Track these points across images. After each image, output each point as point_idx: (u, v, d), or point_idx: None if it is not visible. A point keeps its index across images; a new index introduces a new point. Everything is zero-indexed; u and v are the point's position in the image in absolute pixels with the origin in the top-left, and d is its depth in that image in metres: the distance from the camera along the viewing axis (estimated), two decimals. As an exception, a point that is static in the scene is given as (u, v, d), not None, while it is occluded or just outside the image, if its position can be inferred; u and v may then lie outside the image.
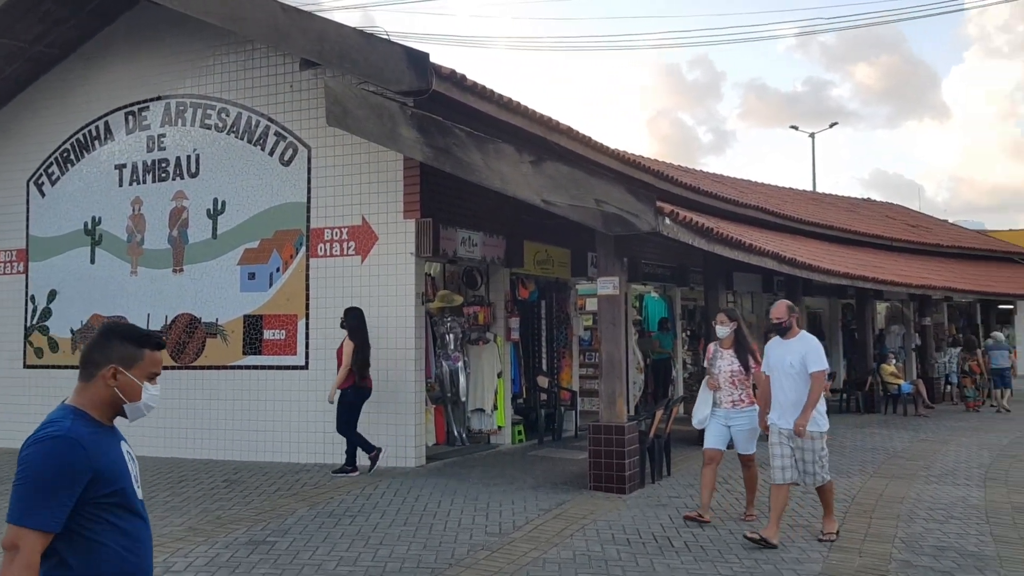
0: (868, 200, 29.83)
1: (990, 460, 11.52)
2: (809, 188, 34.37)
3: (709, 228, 9.09)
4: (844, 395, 18.66)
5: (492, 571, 6.16)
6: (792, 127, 41.39)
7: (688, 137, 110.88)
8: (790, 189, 25.99)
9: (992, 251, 26.71)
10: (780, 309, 7.22)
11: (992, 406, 18.70)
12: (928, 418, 16.99)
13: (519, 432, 12.25)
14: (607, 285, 9.11)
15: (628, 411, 12.79)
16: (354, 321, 9.54)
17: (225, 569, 6.13)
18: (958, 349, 19.63)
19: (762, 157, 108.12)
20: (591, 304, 16.43)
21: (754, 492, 7.95)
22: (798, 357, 6.92)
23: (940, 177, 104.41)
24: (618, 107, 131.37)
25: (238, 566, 6.21)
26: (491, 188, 8.62)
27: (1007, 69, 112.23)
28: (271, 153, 10.90)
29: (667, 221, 7.90)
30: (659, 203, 7.83)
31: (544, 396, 12.86)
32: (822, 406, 6.96)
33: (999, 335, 20.65)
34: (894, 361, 18.31)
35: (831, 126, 52.25)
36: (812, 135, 38.97)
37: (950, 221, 32.16)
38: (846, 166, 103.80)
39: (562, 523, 7.54)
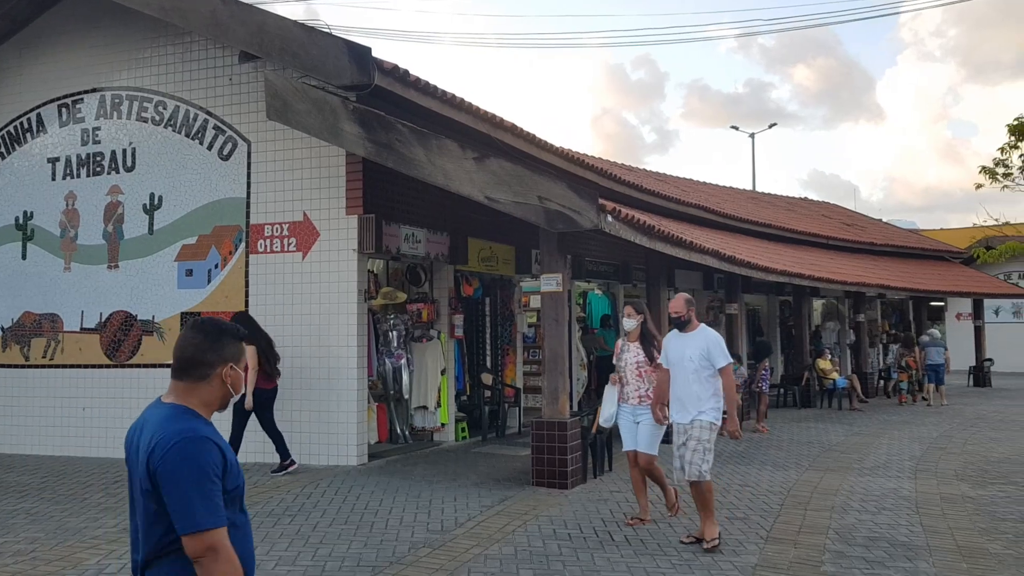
0: (806, 199, 30.49)
1: (921, 452, 11.87)
2: (749, 187, 35.00)
3: (651, 226, 9.19)
4: (781, 390, 19.06)
5: (433, 568, 6.15)
6: (733, 127, 42.18)
7: (632, 136, 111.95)
8: (731, 188, 26.43)
9: (924, 250, 27.49)
10: (678, 303, 7.06)
11: (924, 399, 19.34)
12: (862, 412, 17.44)
13: (463, 429, 12.24)
14: (550, 282, 9.15)
15: (571, 407, 12.89)
16: (246, 327, 9.36)
17: None
18: (898, 345, 20.22)
19: (704, 157, 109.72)
20: (535, 301, 16.47)
21: (667, 487, 7.66)
22: (697, 351, 6.75)
23: (875, 178, 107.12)
24: (564, 106, 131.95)
25: (174, 567, 6.08)
26: (434, 184, 8.60)
27: (939, 72, 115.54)
28: (210, 147, 10.70)
29: (609, 218, 7.97)
30: (601, 200, 7.89)
31: (488, 393, 12.87)
32: (718, 399, 6.78)
33: (935, 332, 21.40)
34: (829, 356, 18.75)
35: (770, 127, 53.20)
36: (752, 135, 39.71)
37: (884, 220, 33.03)
38: (785, 166, 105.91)
39: (504, 519, 7.56)
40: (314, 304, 10.03)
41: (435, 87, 9.22)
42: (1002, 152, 14.30)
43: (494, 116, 10.15)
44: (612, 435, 10.36)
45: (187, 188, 10.80)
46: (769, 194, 29.77)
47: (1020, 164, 14.11)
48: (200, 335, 2.72)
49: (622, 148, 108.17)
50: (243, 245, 10.45)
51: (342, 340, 9.89)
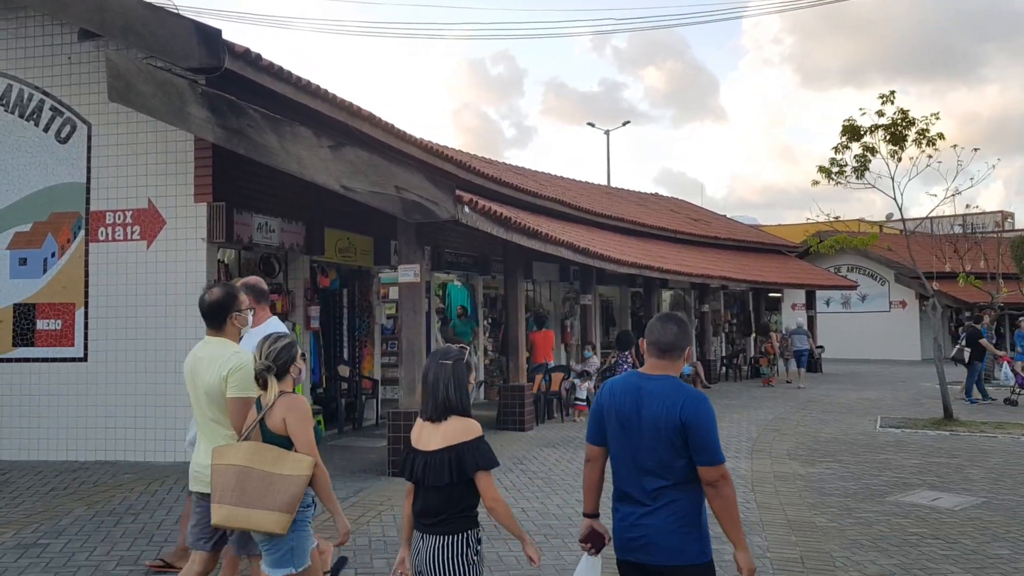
0: (656, 195, 31.68)
1: (757, 433, 12.64)
2: (605, 183, 36.03)
3: (507, 218, 9.35)
4: (633, 378, 19.80)
5: (287, 561, 6.07)
6: (589, 124, 43.32)
7: (492, 130, 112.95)
8: (587, 183, 27.13)
9: (763, 244, 29.14)
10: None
11: (787, 381, 21.32)
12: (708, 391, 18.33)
13: (319, 422, 12.04)
14: (408, 272, 9.17)
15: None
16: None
17: (-11, 577, 5.67)
18: (752, 336, 21.90)
19: (562, 153, 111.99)
20: (394, 292, 16.43)
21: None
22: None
23: (719, 175, 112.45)
24: (424, 99, 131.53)
25: (4, 571, 5.75)
26: (288, 172, 8.43)
27: (776, 78, 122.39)
28: (46, 129, 10.08)
29: (466, 210, 8.06)
30: (459, 192, 7.97)
31: (345, 385, 12.74)
32: None
33: (801, 322, 23.51)
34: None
35: (623, 124, 54.78)
36: (607, 132, 40.87)
37: (728, 216, 34.78)
38: (638, 163, 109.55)
39: (359, 510, 7.54)
40: (160, 295, 9.64)
41: (289, 72, 9.04)
42: (836, 151, 15.27)
43: (351, 104, 10.04)
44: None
45: (20, 172, 10.13)
46: (623, 189, 30.76)
47: (854, 164, 15.10)
48: (677, 326, 3.49)
49: (482, 142, 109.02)
50: (82, 233, 9.91)
51: (189, 332, 9.51)
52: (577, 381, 14.46)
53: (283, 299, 11.46)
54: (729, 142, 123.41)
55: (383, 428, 10.98)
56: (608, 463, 3.59)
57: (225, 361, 4.23)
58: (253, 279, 5.67)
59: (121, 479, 8.70)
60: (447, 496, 3.51)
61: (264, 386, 3.89)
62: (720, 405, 16.57)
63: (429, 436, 3.57)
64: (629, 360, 15.34)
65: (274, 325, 5.17)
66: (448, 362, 3.65)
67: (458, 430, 3.53)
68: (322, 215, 11.62)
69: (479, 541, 3.59)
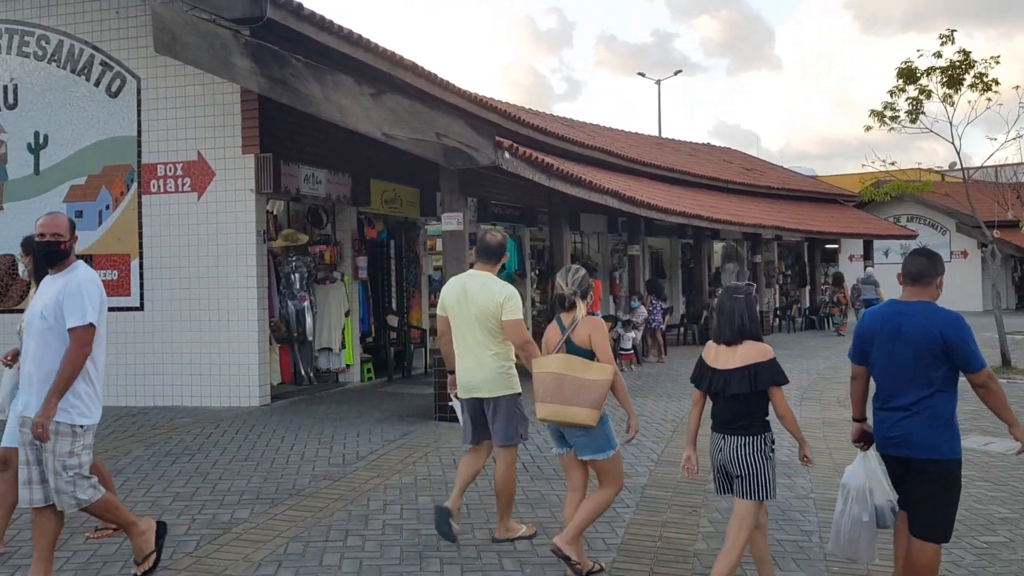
0: (708, 145, 31.15)
1: (808, 382, 12.53)
2: (655, 134, 35.53)
3: (549, 164, 9.30)
4: (682, 328, 19.72)
5: (333, 498, 6.26)
6: (640, 74, 42.47)
7: (542, 85, 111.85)
8: (636, 133, 26.78)
9: (819, 193, 28.53)
10: (54, 223, 4.55)
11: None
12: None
13: (368, 370, 12.29)
14: (451, 221, 9.21)
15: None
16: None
17: (53, 510, 5.94)
18: (806, 287, 21.91)
19: (612, 105, 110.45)
20: (441, 244, 16.51)
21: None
22: (52, 302, 4.32)
23: (775, 126, 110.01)
24: (474, 54, 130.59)
25: (67, 506, 6.02)
26: (330, 120, 8.50)
27: (835, 25, 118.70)
28: (97, 84, 10.29)
29: (506, 155, 8.04)
30: (499, 138, 7.95)
31: (393, 335, 12.92)
32: (90, 385, 4.37)
33: (870, 271, 23.07)
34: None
35: (676, 74, 53.98)
36: (658, 82, 40.19)
37: (784, 167, 34.06)
38: (690, 115, 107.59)
39: (405, 452, 7.70)
40: (211, 246, 9.86)
41: (331, 22, 9.06)
42: (891, 95, 14.78)
43: (393, 54, 10.04)
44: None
45: (74, 126, 10.39)
46: (673, 140, 30.29)
47: (907, 107, 14.60)
48: (926, 258, 4.15)
49: (532, 97, 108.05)
50: (135, 185, 10.15)
51: (241, 281, 9.77)
52: (622, 331, 14.44)
53: (331, 249, 11.64)
54: (785, 92, 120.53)
55: (431, 376, 11.15)
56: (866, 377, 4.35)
57: (499, 291, 5.13)
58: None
59: (178, 423, 9.00)
60: (744, 405, 4.20)
61: (570, 308, 4.72)
62: (771, 355, 16.42)
63: (726, 357, 4.25)
64: (659, 308, 15.32)
65: (81, 269, 4.50)
66: (740, 296, 4.33)
67: (754, 352, 4.22)
68: (368, 166, 11.71)
69: (773, 442, 4.28)
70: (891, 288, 27.21)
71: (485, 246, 5.31)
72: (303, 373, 11.51)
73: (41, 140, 10.50)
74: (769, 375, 4.16)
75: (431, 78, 10.85)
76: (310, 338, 11.42)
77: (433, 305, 15.09)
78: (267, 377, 10.01)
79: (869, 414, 4.44)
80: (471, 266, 5.53)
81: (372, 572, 4.82)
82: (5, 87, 10.65)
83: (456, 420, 8.89)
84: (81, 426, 4.31)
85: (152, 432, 8.55)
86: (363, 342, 12.32)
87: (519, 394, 5.28)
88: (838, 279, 22.47)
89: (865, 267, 25.55)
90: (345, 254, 11.79)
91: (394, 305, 13.54)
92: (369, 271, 12.71)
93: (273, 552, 5.14)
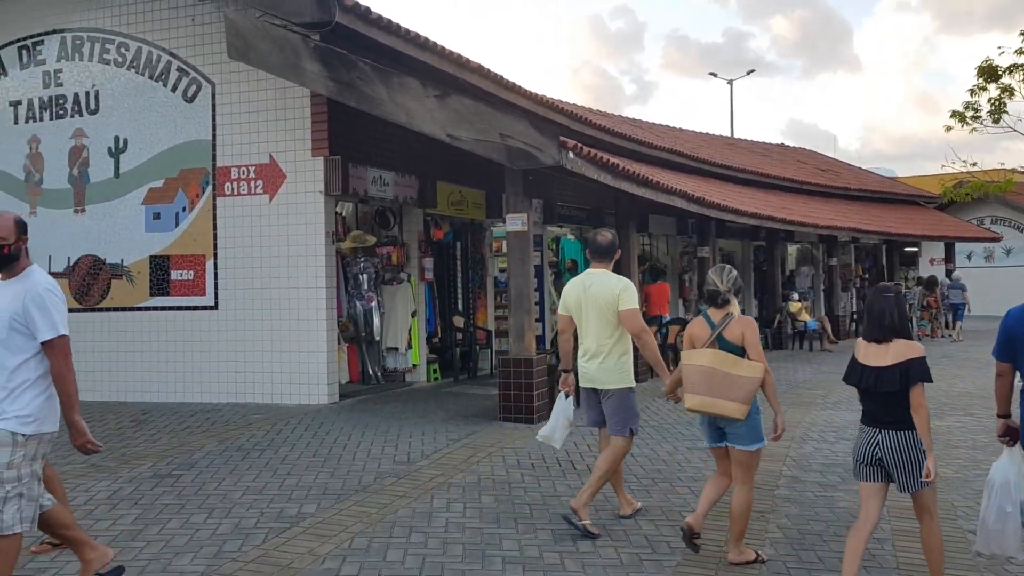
0: (781, 145, 30.52)
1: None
2: (727, 135, 34.98)
3: (615, 164, 9.22)
4: (754, 333, 19.30)
5: (398, 495, 6.30)
6: (711, 74, 41.90)
7: (611, 87, 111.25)
8: (707, 134, 26.39)
9: (897, 195, 27.68)
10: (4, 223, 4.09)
11: (945, 335, 21.31)
12: (832, 353, 17.74)
13: (434, 370, 12.37)
14: (516, 221, 9.21)
15: (545, 348, 13.04)
16: None
17: (127, 502, 6.13)
18: (919, 288, 22.15)
19: (682, 106, 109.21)
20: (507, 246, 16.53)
21: None
22: (9, 311, 4.02)
23: (852, 127, 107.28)
24: (541, 56, 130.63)
25: (141, 498, 6.21)
26: (396, 122, 8.58)
27: (914, 23, 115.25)
28: (173, 89, 10.60)
29: (570, 155, 8.00)
30: (563, 138, 7.91)
31: (459, 335, 12.98)
32: (40, 394, 4.05)
33: (957, 276, 22.97)
34: (797, 298, 19.00)
35: (748, 73, 52.87)
36: (730, 82, 39.61)
37: (861, 167, 33.15)
38: (764, 116, 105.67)
39: (470, 451, 7.71)
40: (282, 246, 10.05)
41: (398, 25, 9.14)
42: (971, 95, 14.29)
43: (460, 56, 10.09)
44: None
45: (152, 131, 10.71)
46: (746, 140, 29.77)
47: (989, 108, 14.09)
48: None
49: (601, 99, 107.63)
50: (210, 188, 10.42)
51: (310, 281, 9.94)
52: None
53: (398, 250, 11.75)
54: (863, 92, 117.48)
55: (496, 377, 11.16)
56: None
57: (615, 284, 5.53)
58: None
59: (250, 419, 9.19)
60: (895, 400, 4.32)
61: (722, 305, 4.95)
62: (847, 361, 15.96)
63: (877, 355, 4.38)
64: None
65: (39, 275, 4.16)
66: (890, 295, 4.47)
67: (906, 349, 4.35)
68: (434, 168, 11.79)
69: None
70: (978, 292, 26.33)
71: (597, 246, 5.73)
72: (371, 372, 11.65)
73: (121, 144, 10.86)
74: (919, 372, 4.29)
75: (497, 80, 10.87)
76: (377, 338, 11.55)
77: (499, 307, 15.16)
78: (336, 376, 10.15)
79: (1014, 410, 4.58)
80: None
81: (434, 569, 4.83)
82: (87, 93, 11.05)
83: (521, 421, 8.91)
84: (23, 435, 3.93)
85: (225, 428, 8.75)
86: (429, 342, 12.40)
87: (631, 388, 5.64)
88: (931, 283, 22.07)
89: (948, 271, 24.84)
90: (412, 255, 11.90)
91: (460, 306, 13.61)
92: (435, 272, 12.80)
93: (338, 547, 5.19)
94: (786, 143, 31.09)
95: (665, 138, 19.84)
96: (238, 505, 6.04)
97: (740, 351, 4.84)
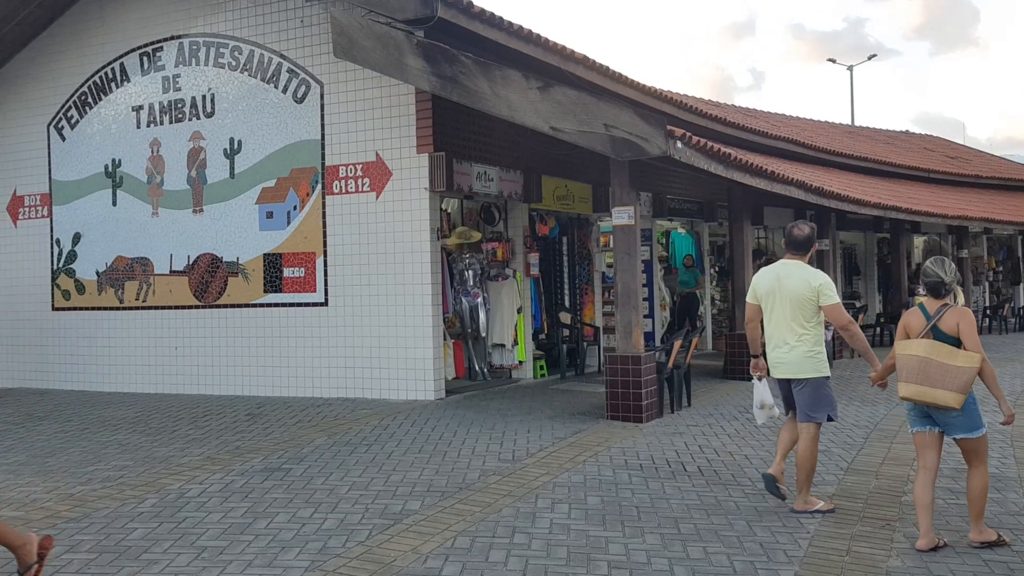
0: (907, 133, 29.05)
1: (1022, 387, 11.30)
2: (847, 123, 33.54)
3: (726, 153, 8.86)
4: (878, 328, 18.40)
5: (502, 494, 6.20)
6: (829, 60, 40.21)
7: (723, 77, 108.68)
8: (825, 123, 25.36)
9: (1034, 182, 25.90)
10: None
11: None
12: (962, 350, 16.70)
13: (541, 367, 12.25)
14: (622, 215, 8.98)
15: (655, 344, 12.75)
16: None
17: (238, 495, 6.23)
18: (1021, 284, 20.93)
19: (800, 96, 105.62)
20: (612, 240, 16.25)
21: None
22: None
23: (983, 113, 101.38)
24: (653, 46, 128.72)
25: (251, 491, 6.31)
26: (498, 116, 8.48)
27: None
28: (284, 90, 10.83)
29: (679, 145, 7.71)
30: (670, 127, 7.63)
31: (566, 332, 12.81)
32: None
33: None
34: (924, 292, 17.91)
35: (870, 58, 50.54)
36: (850, 68, 38.00)
37: (993, 155, 31.21)
38: (886, 105, 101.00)
39: (576, 450, 7.54)
40: (388, 243, 10.12)
41: (501, 18, 9.05)
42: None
43: (564, 47, 9.92)
44: (690, 370, 10.21)
45: (264, 132, 10.97)
46: (868, 128, 28.49)
47: None
48: None
49: (715, 90, 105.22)
50: (319, 186, 10.58)
51: (416, 278, 9.97)
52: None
53: (503, 246, 11.67)
54: (994, 76, 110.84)
55: (603, 374, 10.95)
56: None
57: (812, 277, 5.67)
58: None
59: (358, 414, 9.28)
60: None
61: (944, 295, 5.07)
62: (978, 357, 15.01)
63: None
64: None
65: None
66: None
67: None
68: (539, 163, 11.66)
69: None
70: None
71: (793, 238, 5.81)
72: (477, 369, 11.62)
73: (235, 146, 11.16)
74: None
75: (602, 70, 10.65)
76: (483, 334, 11.51)
77: (607, 303, 14.91)
78: (442, 372, 10.16)
79: None
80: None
81: (538, 572, 4.69)
82: (204, 97, 11.42)
83: (629, 420, 8.68)
84: None
85: (334, 423, 8.86)
86: (535, 339, 12.29)
87: (827, 377, 5.77)
88: None
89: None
90: (517, 251, 11.80)
91: (567, 302, 13.43)
92: (541, 268, 12.67)
93: (441, 545, 5.12)
94: (911, 131, 29.59)
95: (781, 127, 19.14)
96: (344, 500, 6.06)
97: (955, 342, 4.94)
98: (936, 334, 5.00)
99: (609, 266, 16.13)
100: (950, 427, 5.03)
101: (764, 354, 5.97)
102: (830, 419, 5.85)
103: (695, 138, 8.15)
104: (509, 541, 5.18)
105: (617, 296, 9.17)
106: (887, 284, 21.02)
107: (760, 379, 6.02)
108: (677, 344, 9.55)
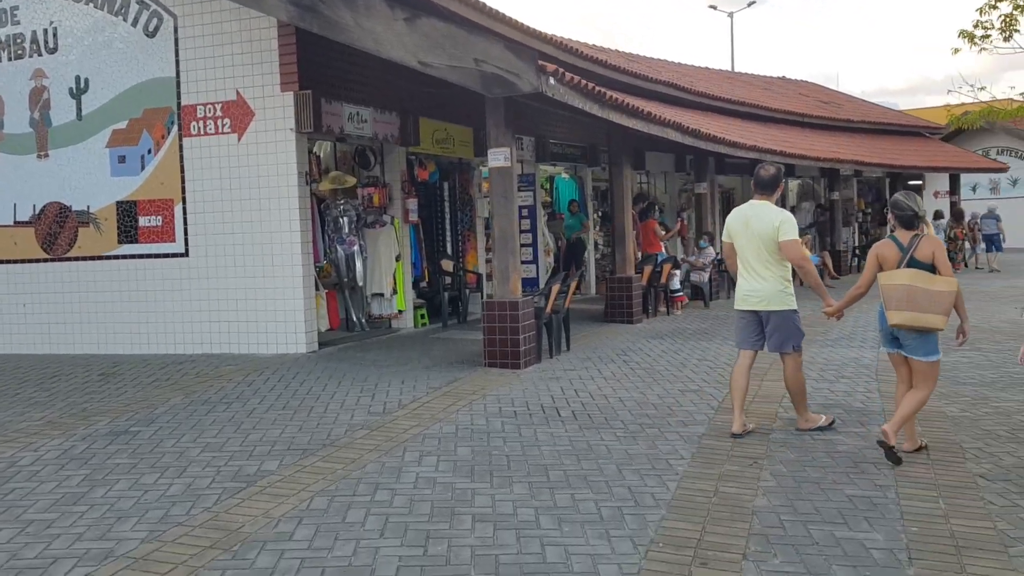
0: (783, 78, 29.63)
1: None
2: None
3: (601, 92, 8.64)
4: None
5: (368, 448, 5.91)
6: (711, 7, 40.58)
7: (610, 26, 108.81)
8: (705, 68, 25.55)
9: (901, 126, 26.93)
10: None
11: (978, 267, 21.81)
12: (833, 288, 17.19)
13: (422, 316, 11.95)
14: (498, 156, 8.68)
15: (537, 290, 12.60)
16: None
17: (77, 461, 5.73)
18: (943, 220, 22.21)
19: (683, 44, 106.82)
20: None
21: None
22: None
23: (857, 63, 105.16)
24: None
25: (92, 457, 5.82)
26: (364, 49, 7.99)
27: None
28: (134, 24, 9.98)
29: (551, 81, 7.42)
30: (542, 62, 7.33)
31: (448, 279, 12.52)
32: None
33: (992, 206, 23.05)
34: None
35: (749, 5, 51.10)
36: (731, 15, 38.49)
37: (865, 100, 32.27)
38: (766, 53, 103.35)
39: (450, 400, 7.31)
40: (253, 188, 9.54)
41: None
42: (981, 13, 13.55)
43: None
44: (569, 315, 10.10)
45: (114, 69, 10.12)
46: (746, 74, 28.90)
47: (1000, 25, 13.36)
48: None
49: (603, 40, 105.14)
50: (175, 128, 9.86)
51: (284, 225, 9.44)
52: (676, 272, 13.77)
53: (380, 192, 11.22)
54: (867, 26, 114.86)
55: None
56: None
57: (775, 215, 5.97)
58: None
59: (222, 370, 8.79)
60: None
61: (912, 227, 5.40)
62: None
63: None
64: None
65: None
66: None
67: None
68: (416, 104, 11.20)
69: None
70: (1009, 223, 25.96)
71: (760, 179, 6.13)
72: (355, 319, 11.22)
73: (82, 84, 10.28)
74: None
75: (476, 5, 10.15)
76: (360, 284, 11.09)
77: (490, 249, 14.67)
78: (314, 323, 9.72)
79: None
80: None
81: (397, 530, 4.44)
82: (45, 31, 10.44)
83: (507, 367, 8.49)
84: None
85: (195, 380, 8.36)
86: (416, 287, 11.96)
87: (795, 310, 6.13)
88: (959, 215, 22.40)
89: (953, 203, 24.45)
90: (395, 196, 11.37)
91: (449, 249, 13.12)
92: (422, 214, 12.29)
93: (295, 507, 4.80)
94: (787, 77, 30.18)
95: (663, 71, 19.10)
96: (194, 463, 5.65)
97: (931, 268, 5.28)
98: (911, 263, 5.31)
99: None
100: (909, 349, 5.37)
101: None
102: (794, 348, 6.13)
103: (568, 75, 7.88)
104: (370, 499, 4.91)
105: (495, 241, 8.91)
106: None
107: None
108: (555, 289, 9.40)
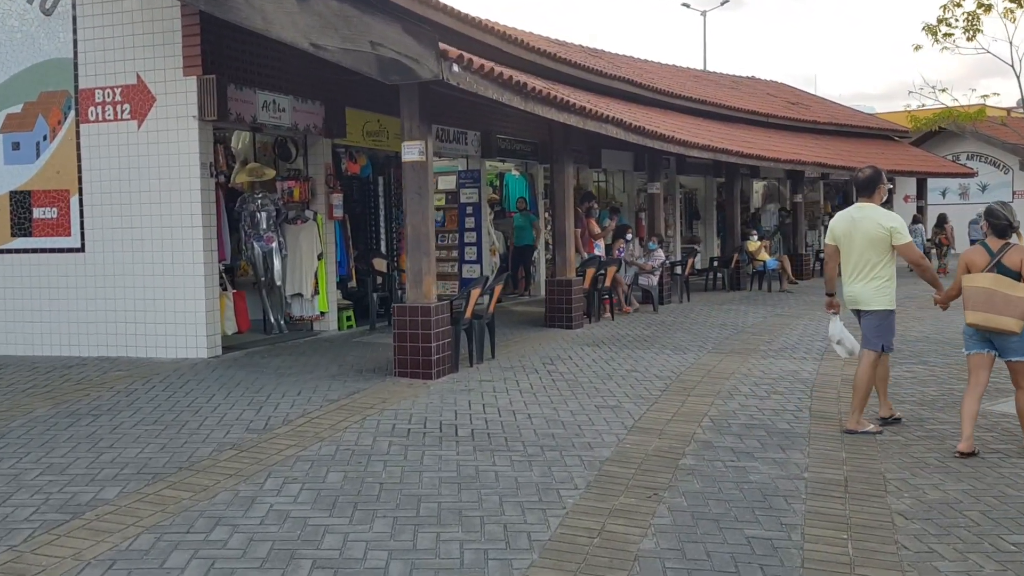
0: (752, 78, 29.19)
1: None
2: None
3: (521, 83, 8.00)
4: (711, 273, 18.32)
5: (228, 473, 5.27)
6: (684, 4, 40.07)
7: (584, 24, 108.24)
8: (672, 66, 25.02)
9: (870, 128, 26.57)
10: None
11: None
12: (792, 294, 16.81)
13: (348, 318, 11.28)
14: (412, 150, 8.07)
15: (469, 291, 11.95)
16: None
17: None
18: (920, 225, 22.36)
19: (655, 42, 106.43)
20: (443, 182, 15.33)
21: None
22: None
23: (835, 66, 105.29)
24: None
25: (-93, 481, 5.13)
26: (253, 29, 7.33)
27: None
28: (30, 0, 9.25)
29: (454, 68, 6.78)
30: (444, 46, 6.69)
31: (380, 280, 11.86)
32: None
33: (981, 212, 22.30)
34: (754, 237, 17.90)
35: (722, 4, 50.60)
36: (704, 13, 38.03)
37: (840, 104, 31.89)
38: (742, 55, 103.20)
39: (343, 414, 6.68)
40: (153, 180, 8.85)
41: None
42: (944, 10, 13.08)
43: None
44: (494, 320, 9.49)
45: (8, 48, 9.39)
46: (714, 73, 28.44)
47: (963, 24, 12.91)
48: None
49: (577, 37, 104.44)
50: (73, 113, 9.14)
51: (185, 220, 8.76)
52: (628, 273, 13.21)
53: (302, 185, 10.55)
54: (846, 29, 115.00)
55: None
56: None
57: (884, 219, 6.15)
58: None
59: (109, 376, 8.09)
60: None
61: (1005, 235, 5.75)
62: (805, 302, 15.05)
63: None
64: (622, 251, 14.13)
65: None
66: None
67: None
68: (342, 94, 10.53)
69: None
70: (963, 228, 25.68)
71: (858, 181, 6.38)
72: (273, 321, 10.54)
73: (-25, 65, 9.53)
74: None
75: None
76: (279, 283, 10.42)
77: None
78: (217, 327, 9.02)
79: None
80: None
81: (218, 578, 3.81)
82: (-63, 7, 9.67)
83: (417, 376, 7.79)
84: None
85: (74, 388, 7.66)
86: (343, 288, 11.29)
87: (891, 311, 6.25)
88: (940, 220, 21.99)
89: (920, 207, 24.13)
90: (318, 191, 10.69)
91: (383, 248, 12.47)
92: (353, 210, 11.61)
93: (113, 547, 4.16)
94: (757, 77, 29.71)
95: (623, 68, 18.53)
96: (25, 489, 4.98)
97: (1016, 276, 5.56)
98: (1000, 269, 5.63)
99: (439, 209, 15.21)
100: (1007, 350, 5.59)
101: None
102: (884, 349, 6.26)
103: (477, 61, 7.23)
104: (204, 538, 4.27)
105: (407, 241, 8.28)
106: (724, 228, 21.05)
107: (836, 314, 6.55)
108: (475, 293, 8.79)
